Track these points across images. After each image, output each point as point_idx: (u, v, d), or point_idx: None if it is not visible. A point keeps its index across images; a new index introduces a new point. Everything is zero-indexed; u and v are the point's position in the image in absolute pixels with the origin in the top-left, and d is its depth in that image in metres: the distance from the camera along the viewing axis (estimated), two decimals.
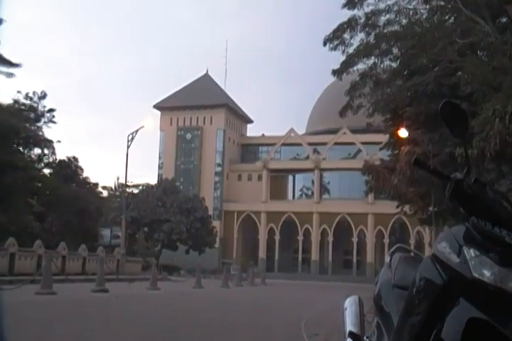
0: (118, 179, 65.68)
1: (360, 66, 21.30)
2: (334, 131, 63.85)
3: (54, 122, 43.65)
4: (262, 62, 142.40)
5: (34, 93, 43.14)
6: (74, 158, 47.44)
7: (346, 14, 19.99)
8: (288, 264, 63.11)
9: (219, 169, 66.60)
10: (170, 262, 49.56)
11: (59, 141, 44.21)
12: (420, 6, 18.86)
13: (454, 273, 1.89)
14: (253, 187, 65.66)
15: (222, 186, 66.29)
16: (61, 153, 62.78)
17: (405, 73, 20.11)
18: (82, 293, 17.37)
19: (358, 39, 20.15)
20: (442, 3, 18.03)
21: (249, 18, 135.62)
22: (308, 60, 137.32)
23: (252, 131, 79.95)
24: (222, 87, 72.95)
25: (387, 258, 2.85)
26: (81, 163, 48.17)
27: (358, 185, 53.25)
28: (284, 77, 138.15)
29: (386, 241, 59.07)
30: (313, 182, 64.52)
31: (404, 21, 19.35)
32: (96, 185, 51.67)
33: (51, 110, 43.64)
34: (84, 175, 48.70)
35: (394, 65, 20.53)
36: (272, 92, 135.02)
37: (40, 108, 43.34)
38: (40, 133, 42.25)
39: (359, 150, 63.22)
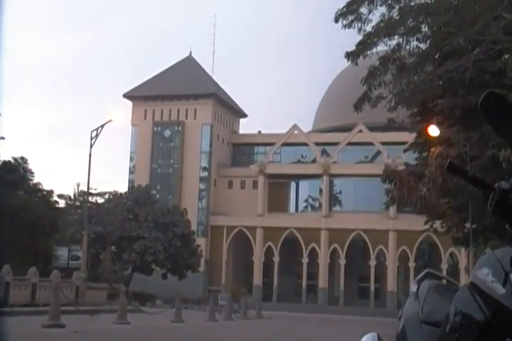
0: (78, 186, 65.36)
1: (381, 48, 21.35)
2: (347, 129, 63.85)
3: None
4: (259, 42, 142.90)
5: None
6: (22, 158, 47.31)
7: None
8: (290, 293, 62.95)
9: (205, 174, 66.56)
10: (143, 289, 49.43)
11: (2, 138, 43.81)
12: None
13: (498, 306, 1.87)
14: (247, 197, 65.57)
15: (209, 195, 66.21)
16: (6, 153, 62.96)
17: (437, 57, 20.13)
18: (30, 329, 17.26)
19: (378, 14, 20.19)
20: None
21: None
22: (316, 41, 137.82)
23: (245, 127, 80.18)
24: (209, 72, 73.06)
25: (413, 287, 2.85)
26: (31, 166, 48.06)
27: (377, 195, 53.22)
28: (285, 62, 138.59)
29: (412, 265, 59.09)
30: (321, 190, 64.54)
31: None
32: (50, 192, 51.51)
33: None
34: (36, 180, 48.59)
35: (423, 46, 20.56)
36: (270, 80, 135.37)
37: None
38: None
39: (378, 152, 63.29)
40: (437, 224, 27.95)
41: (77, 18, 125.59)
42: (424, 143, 24.48)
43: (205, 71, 72.16)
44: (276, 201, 65.00)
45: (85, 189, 45.61)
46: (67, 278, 34.90)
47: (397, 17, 19.76)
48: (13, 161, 46.58)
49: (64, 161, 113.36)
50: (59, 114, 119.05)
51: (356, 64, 21.14)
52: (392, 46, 20.63)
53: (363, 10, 20.09)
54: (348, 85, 66.56)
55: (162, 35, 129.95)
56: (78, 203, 62.01)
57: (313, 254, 62.50)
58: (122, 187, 65.26)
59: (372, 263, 60.87)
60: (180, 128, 67.34)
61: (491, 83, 17.35)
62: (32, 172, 47.82)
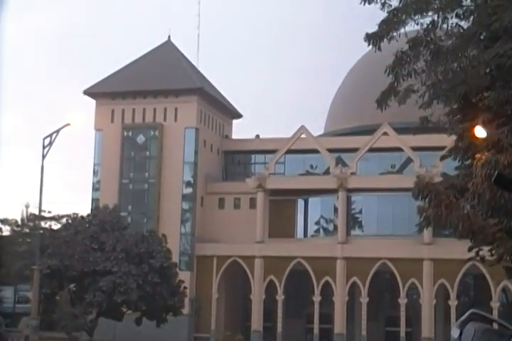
0: (28, 207, 65.25)
1: (411, 27, 21.22)
2: (368, 131, 63.84)
3: None
4: (257, 24, 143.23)
5: None
6: None
7: None
8: (298, 340, 62.56)
9: (189, 190, 66.42)
10: (111, 338, 49.15)
11: None
12: None
13: None
14: (242, 219, 65.53)
15: (195, 217, 66.06)
16: None
17: (482, 38, 20.00)
18: None
19: None
20: None
21: None
22: (328, 22, 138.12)
23: (240, 130, 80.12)
24: (194, 62, 73.07)
25: (454, 332, 2.61)
26: None
27: (408, 215, 53.13)
28: (290, 50, 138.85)
29: (453, 303, 58.81)
30: (336, 210, 64.41)
31: None
32: None
33: None
34: None
35: (464, 24, 20.44)
36: (271, 72, 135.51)
37: None
38: None
39: (408, 160, 63.22)
40: (485, 250, 27.73)
41: None
42: (466, 147, 24.25)
43: (188, 60, 72.19)
44: (280, 223, 64.90)
45: (37, 212, 45.36)
46: (13, 326, 34.63)
47: None
48: None
49: (9, 176, 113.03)
50: (2, 116, 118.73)
51: (379, 49, 21.01)
52: (424, 25, 20.52)
53: None
54: (368, 77, 66.67)
55: (133, 14, 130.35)
56: (27, 230, 61.78)
57: (327, 291, 62.30)
58: (84, 209, 65.04)
59: (403, 301, 60.63)
60: (157, 132, 67.23)
61: None
62: None
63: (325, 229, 67.29)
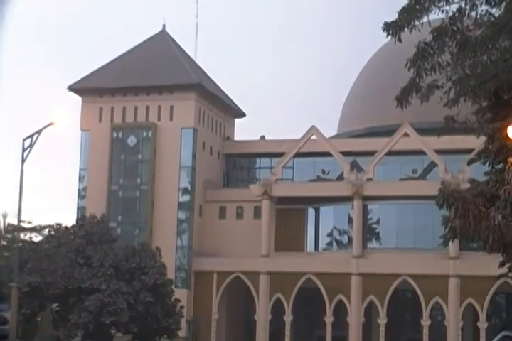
0: (5, 217, 65.33)
1: (434, 16, 21.17)
2: (386, 132, 63.73)
3: None
4: (263, 12, 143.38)
5: None
6: None
7: None
8: None
9: (186, 198, 66.40)
10: None
11: None
12: None
13: None
14: (246, 230, 65.53)
15: (192, 228, 66.01)
16: None
17: None
18: None
19: None
20: None
21: None
22: (341, 9, 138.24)
23: (243, 131, 79.98)
24: (192, 55, 73.12)
25: None
26: None
27: (431, 226, 53.00)
28: (299, 41, 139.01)
29: (482, 325, 58.67)
30: (350, 220, 64.35)
31: None
32: None
33: None
34: None
35: (495, 11, 20.37)
36: (278, 66, 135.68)
37: None
38: None
39: (432, 165, 63.15)
40: None
41: None
42: (497, 150, 24.22)
43: (185, 52, 72.27)
44: (288, 235, 64.96)
45: (15, 222, 45.34)
46: None
47: None
48: None
49: None
50: None
51: (399, 40, 20.98)
52: (450, 13, 20.48)
53: None
54: (386, 72, 66.73)
55: (123, 1, 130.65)
56: (5, 242, 61.90)
57: (340, 311, 62.26)
58: (69, 219, 64.97)
59: (426, 322, 60.49)
60: (150, 133, 67.21)
61: None
62: None
63: (338, 242, 67.23)
